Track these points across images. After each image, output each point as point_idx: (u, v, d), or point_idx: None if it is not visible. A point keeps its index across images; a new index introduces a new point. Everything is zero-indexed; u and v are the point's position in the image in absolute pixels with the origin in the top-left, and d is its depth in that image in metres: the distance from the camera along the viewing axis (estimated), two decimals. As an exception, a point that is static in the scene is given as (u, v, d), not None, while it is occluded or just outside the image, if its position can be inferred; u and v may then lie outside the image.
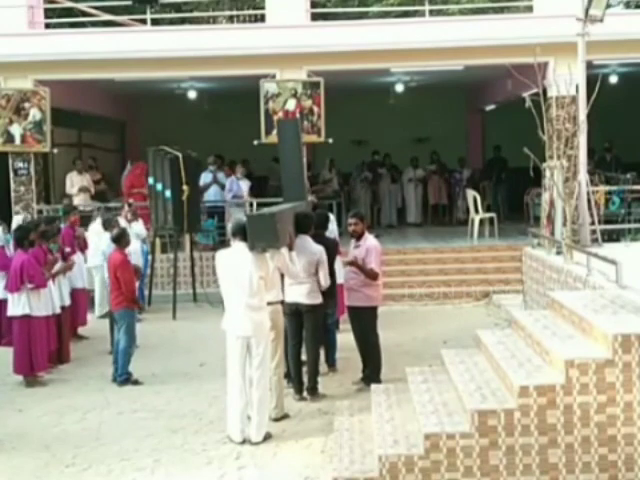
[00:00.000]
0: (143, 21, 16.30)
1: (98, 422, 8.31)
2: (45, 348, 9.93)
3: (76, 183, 16.28)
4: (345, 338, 10.04)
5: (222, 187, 16.46)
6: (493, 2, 18.77)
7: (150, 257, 14.14)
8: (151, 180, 13.93)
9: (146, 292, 13.85)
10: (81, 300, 11.83)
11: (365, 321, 9.09)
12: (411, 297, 13.88)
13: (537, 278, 10.63)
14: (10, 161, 15.34)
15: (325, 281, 8.58)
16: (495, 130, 21.40)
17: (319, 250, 8.60)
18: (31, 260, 9.76)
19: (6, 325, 10.37)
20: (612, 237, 12.26)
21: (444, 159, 20.45)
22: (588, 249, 9.35)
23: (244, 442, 7.46)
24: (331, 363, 9.79)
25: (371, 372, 9.04)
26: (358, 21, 17.18)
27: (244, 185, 16.19)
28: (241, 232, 7.58)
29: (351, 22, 16.66)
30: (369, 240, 9.13)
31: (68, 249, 11.43)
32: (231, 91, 18.69)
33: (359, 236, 9.11)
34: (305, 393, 8.76)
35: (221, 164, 17.44)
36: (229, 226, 8.97)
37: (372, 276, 8.94)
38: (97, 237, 12.49)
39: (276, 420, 7.97)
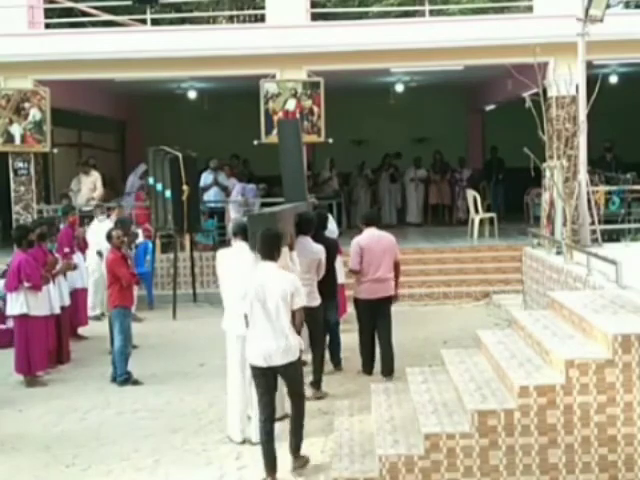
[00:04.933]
0: (143, 21, 16.31)
1: (98, 422, 8.31)
2: (44, 348, 9.93)
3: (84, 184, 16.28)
4: (346, 338, 10.05)
5: (222, 188, 16.50)
6: (493, 2, 18.77)
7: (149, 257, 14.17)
8: (151, 180, 13.93)
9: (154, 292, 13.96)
10: (81, 300, 11.82)
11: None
12: (411, 297, 13.86)
13: (537, 278, 10.63)
14: (10, 161, 15.36)
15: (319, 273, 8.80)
16: (495, 130, 21.38)
17: (320, 250, 8.64)
18: (29, 260, 9.76)
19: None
20: (612, 237, 12.25)
21: (444, 159, 20.46)
22: (588, 249, 9.35)
23: (244, 442, 7.46)
24: (336, 362, 9.81)
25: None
26: (358, 21, 17.20)
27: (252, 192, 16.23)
28: (242, 232, 7.59)
29: (351, 22, 16.67)
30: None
31: (67, 249, 11.45)
32: (231, 91, 18.70)
33: None
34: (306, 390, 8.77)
35: (237, 163, 17.67)
36: (230, 226, 9.00)
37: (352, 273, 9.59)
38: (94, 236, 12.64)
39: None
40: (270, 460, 6.60)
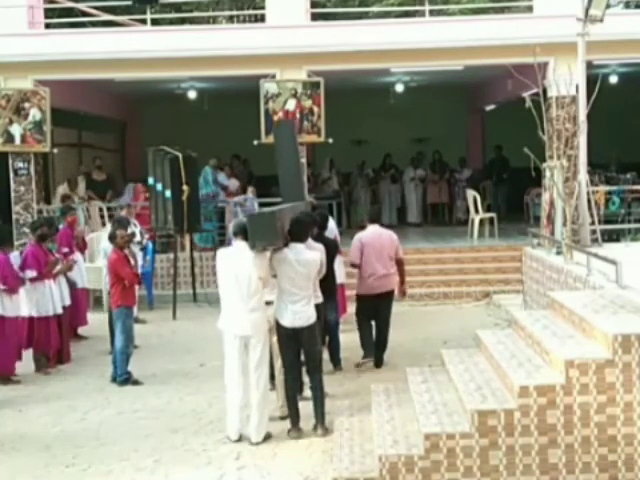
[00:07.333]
0: (143, 21, 16.29)
1: (98, 422, 8.31)
2: (16, 349, 9.91)
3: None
4: (346, 338, 10.05)
5: (222, 188, 16.50)
6: (493, 2, 18.77)
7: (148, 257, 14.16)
8: (151, 180, 13.93)
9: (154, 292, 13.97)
10: (81, 300, 11.82)
11: None
12: (411, 297, 13.78)
13: (537, 278, 10.62)
14: (10, 161, 15.33)
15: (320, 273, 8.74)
16: (495, 130, 21.38)
17: (320, 248, 8.61)
18: (8, 262, 9.73)
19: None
20: (612, 237, 12.26)
21: (444, 159, 20.46)
22: (588, 249, 9.34)
23: (240, 439, 7.47)
24: (336, 362, 9.81)
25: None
26: (358, 21, 17.19)
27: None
28: (242, 231, 7.59)
29: (351, 22, 16.65)
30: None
31: (66, 249, 11.44)
32: (231, 91, 18.70)
33: None
34: (305, 392, 8.76)
35: (238, 163, 17.65)
36: (230, 226, 9.00)
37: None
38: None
39: (282, 418, 7.95)
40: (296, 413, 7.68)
